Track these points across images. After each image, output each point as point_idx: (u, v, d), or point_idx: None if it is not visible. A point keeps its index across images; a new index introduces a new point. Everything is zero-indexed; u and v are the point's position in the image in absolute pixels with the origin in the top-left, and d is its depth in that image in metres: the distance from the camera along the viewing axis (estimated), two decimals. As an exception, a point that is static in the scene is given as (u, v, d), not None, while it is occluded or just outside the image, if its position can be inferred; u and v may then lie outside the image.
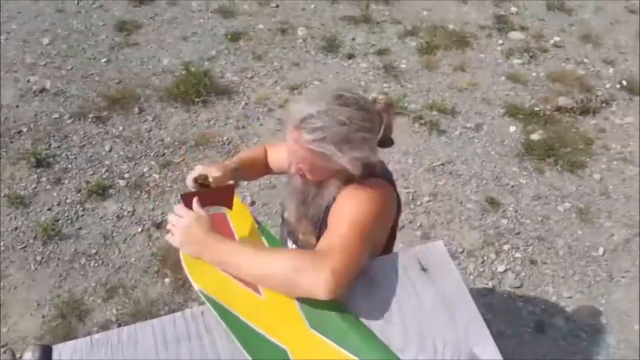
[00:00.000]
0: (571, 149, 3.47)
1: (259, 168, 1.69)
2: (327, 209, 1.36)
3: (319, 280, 1.09)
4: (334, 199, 1.35)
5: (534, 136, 3.54)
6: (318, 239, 1.35)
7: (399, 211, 1.50)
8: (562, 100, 3.80)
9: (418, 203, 3.12)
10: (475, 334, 1.10)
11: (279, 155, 1.63)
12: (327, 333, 1.09)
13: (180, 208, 1.31)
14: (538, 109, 3.75)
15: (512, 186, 3.24)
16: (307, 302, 1.14)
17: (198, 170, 1.43)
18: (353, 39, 4.32)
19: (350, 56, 4.14)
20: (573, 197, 3.19)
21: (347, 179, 1.33)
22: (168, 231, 1.30)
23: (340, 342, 1.07)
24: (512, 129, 3.61)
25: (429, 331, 1.10)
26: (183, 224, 1.27)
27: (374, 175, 1.37)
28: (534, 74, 4.05)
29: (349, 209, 1.28)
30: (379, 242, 1.41)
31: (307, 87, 3.85)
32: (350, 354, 1.05)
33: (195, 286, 1.19)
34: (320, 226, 1.40)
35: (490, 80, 3.99)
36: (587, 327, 2.60)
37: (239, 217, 1.50)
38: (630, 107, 3.82)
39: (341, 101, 1.23)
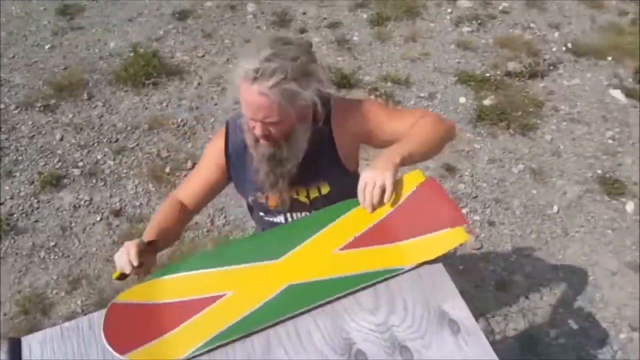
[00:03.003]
0: (522, 112, 3.56)
1: (179, 220, 1.49)
2: (308, 154, 1.39)
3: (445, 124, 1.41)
4: (324, 140, 1.40)
5: (486, 102, 3.62)
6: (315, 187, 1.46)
7: None
8: (512, 65, 3.89)
9: (378, 173, 3.15)
10: (443, 291, 1.13)
11: (194, 187, 1.53)
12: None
13: None
14: (489, 75, 3.83)
15: (468, 152, 3.32)
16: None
17: (120, 264, 1.24)
18: (304, 13, 4.29)
19: (303, 30, 4.11)
20: (526, 159, 3.30)
21: (313, 118, 1.37)
22: None
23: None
24: (464, 96, 3.68)
25: (399, 292, 1.13)
26: None
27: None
28: (483, 41, 4.12)
29: (368, 118, 1.43)
30: None
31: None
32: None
33: None
34: (308, 175, 1.44)
35: (441, 49, 4.04)
36: (546, 282, 2.71)
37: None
38: (576, 68, 3.94)
39: (282, 41, 1.25)
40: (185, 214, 1.52)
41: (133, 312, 1.15)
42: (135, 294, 1.18)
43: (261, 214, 1.58)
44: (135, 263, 1.21)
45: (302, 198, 1.48)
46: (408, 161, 1.27)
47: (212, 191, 1.54)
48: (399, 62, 3.90)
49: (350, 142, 1.46)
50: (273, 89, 1.21)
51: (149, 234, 1.35)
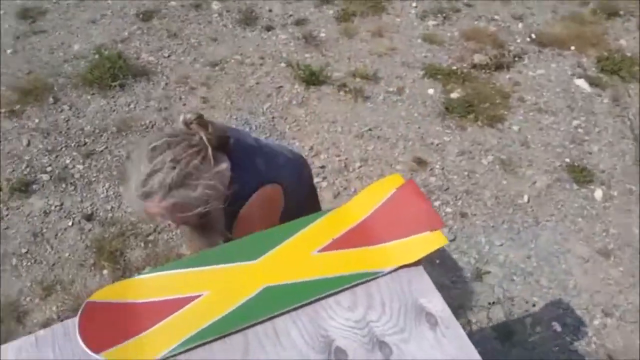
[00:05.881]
0: (489, 104, 3.62)
1: None
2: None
3: None
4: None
5: (454, 95, 3.67)
6: None
7: (301, 167, 1.70)
8: (477, 58, 3.95)
9: (350, 169, 3.18)
10: (419, 285, 1.15)
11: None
12: (258, 302, 1.14)
13: None
14: (455, 67, 3.88)
15: (437, 144, 3.36)
16: (309, 284, 1.15)
17: None
18: (270, 10, 4.27)
19: (269, 28, 4.10)
20: (495, 150, 3.35)
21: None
22: None
23: (240, 312, 1.12)
24: (432, 89, 3.72)
25: (376, 288, 1.14)
26: None
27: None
28: (449, 34, 4.17)
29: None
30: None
31: (229, 62, 3.78)
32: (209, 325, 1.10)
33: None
34: None
35: (407, 43, 4.08)
36: (520, 271, 2.76)
37: None
38: (540, 59, 4.02)
39: (156, 152, 1.27)
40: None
41: (108, 311, 1.12)
42: (110, 293, 1.15)
43: None
44: None
45: None
46: None
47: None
48: (366, 58, 3.92)
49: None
50: (161, 202, 1.27)
51: None
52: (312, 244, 1.21)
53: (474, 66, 3.90)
